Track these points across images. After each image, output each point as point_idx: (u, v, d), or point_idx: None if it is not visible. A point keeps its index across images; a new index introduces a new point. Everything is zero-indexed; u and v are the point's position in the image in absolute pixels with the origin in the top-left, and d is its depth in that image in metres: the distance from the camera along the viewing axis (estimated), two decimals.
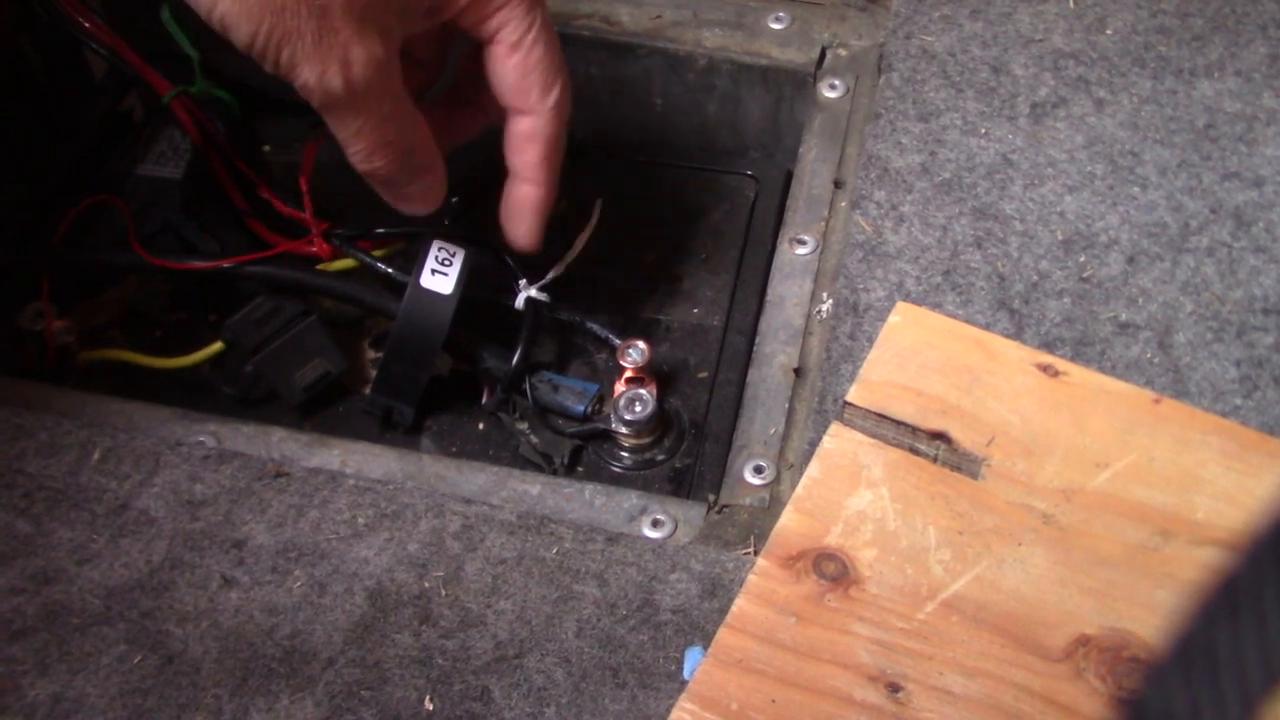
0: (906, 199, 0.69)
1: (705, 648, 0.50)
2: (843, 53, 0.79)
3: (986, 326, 0.62)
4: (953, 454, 0.53)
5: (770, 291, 0.70)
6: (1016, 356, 0.55)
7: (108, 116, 0.79)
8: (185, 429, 0.64)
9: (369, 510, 0.60)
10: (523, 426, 0.67)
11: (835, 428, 0.54)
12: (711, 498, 0.62)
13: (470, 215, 0.71)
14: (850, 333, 0.65)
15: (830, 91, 0.77)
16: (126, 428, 0.64)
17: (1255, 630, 0.21)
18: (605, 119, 0.83)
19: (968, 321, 0.58)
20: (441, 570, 0.58)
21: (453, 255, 0.64)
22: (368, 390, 0.68)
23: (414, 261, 0.64)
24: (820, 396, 0.63)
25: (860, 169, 0.71)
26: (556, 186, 0.62)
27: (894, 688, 0.48)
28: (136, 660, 0.56)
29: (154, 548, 0.59)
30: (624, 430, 0.66)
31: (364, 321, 0.72)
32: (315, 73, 0.52)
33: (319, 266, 0.68)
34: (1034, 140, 0.71)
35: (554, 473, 0.66)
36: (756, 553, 0.58)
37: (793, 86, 0.79)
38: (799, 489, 0.52)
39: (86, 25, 0.70)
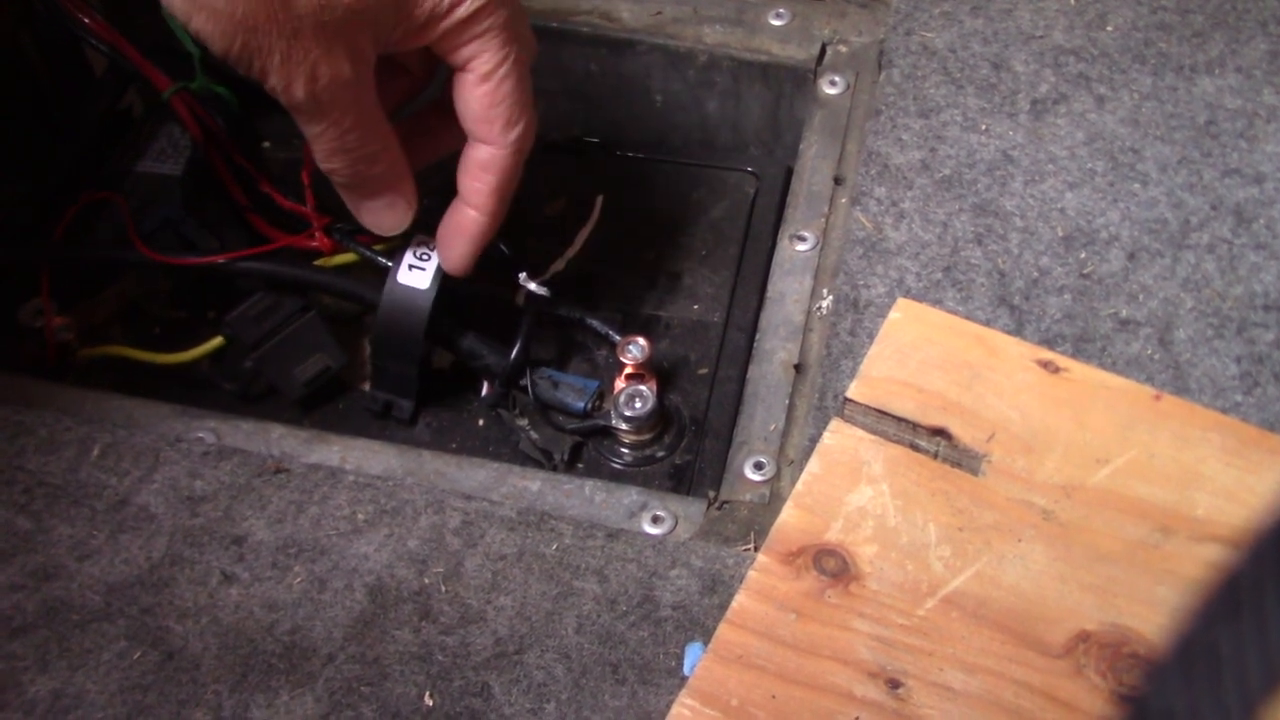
0: (907, 195, 0.69)
1: (705, 644, 0.50)
2: (843, 49, 0.79)
3: (987, 323, 0.62)
4: (953, 450, 0.53)
5: (770, 288, 0.70)
6: (1017, 353, 0.55)
7: (108, 113, 0.79)
8: (185, 425, 0.64)
9: (369, 506, 0.60)
10: (523, 423, 0.67)
11: (835, 424, 0.54)
12: (712, 494, 0.62)
13: None
14: (850, 329, 0.65)
15: (830, 88, 0.77)
16: (126, 424, 0.64)
17: (1257, 630, 0.21)
18: (605, 116, 0.83)
19: (968, 318, 0.58)
20: (441, 566, 0.58)
21: (431, 251, 0.64)
22: (367, 386, 0.68)
23: None
24: (820, 393, 0.63)
25: (861, 165, 0.71)
26: (501, 218, 0.62)
27: (894, 684, 0.48)
28: (136, 656, 0.56)
29: (154, 544, 0.59)
30: (624, 426, 0.66)
31: (363, 317, 0.72)
32: (282, 83, 0.53)
33: (318, 261, 0.68)
34: (1034, 137, 0.71)
35: (554, 469, 0.66)
36: (757, 549, 0.58)
37: (793, 83, 0.79)
38: (799, 485, 0.52)
39: (86, 22, 0.70)
